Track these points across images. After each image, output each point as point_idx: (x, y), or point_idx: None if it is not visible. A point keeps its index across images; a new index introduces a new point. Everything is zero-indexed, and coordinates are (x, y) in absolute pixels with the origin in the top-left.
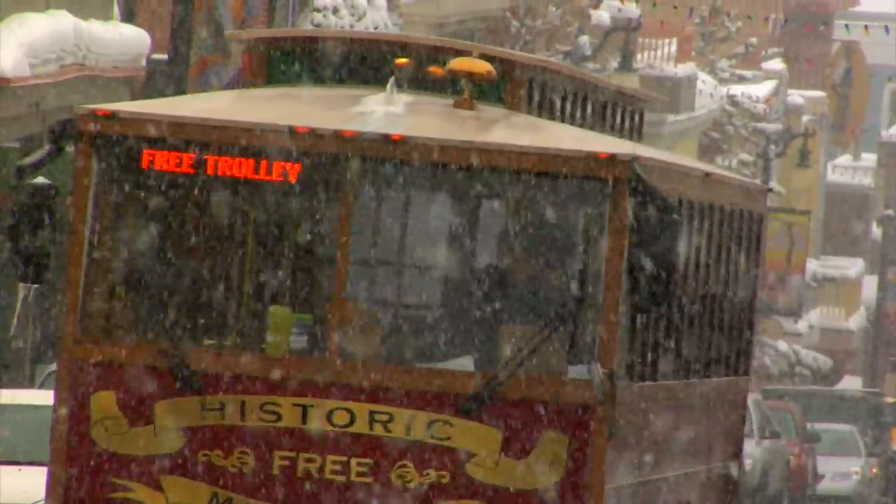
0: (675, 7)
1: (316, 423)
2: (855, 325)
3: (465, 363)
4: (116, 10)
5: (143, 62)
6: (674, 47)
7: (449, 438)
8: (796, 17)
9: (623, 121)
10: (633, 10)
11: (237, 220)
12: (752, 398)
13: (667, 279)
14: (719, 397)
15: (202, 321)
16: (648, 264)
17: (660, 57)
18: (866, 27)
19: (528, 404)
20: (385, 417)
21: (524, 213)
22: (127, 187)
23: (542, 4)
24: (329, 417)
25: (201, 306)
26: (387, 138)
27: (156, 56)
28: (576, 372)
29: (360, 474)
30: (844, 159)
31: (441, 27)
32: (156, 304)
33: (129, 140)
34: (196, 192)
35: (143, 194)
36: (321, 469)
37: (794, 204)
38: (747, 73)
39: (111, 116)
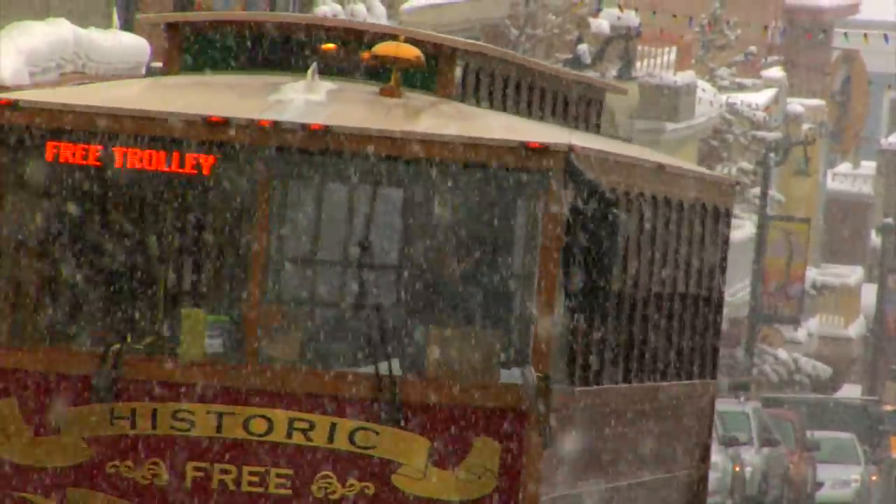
0: (675, 15)
1: (232, 432)
2: (854, 333)
3: (392, 367)
4: (116, 18)
5: (143, 70)
6: (673, 55)
7: (374, 447)
8: (796, 25)
9: (579, 111)
10: (632, 19)
11: (148, 216)
12: (751, 406)
13: (605, 276)
14: (681, 402)
15: (111, 324)
16: (585, 260)
17: (659, 65)
18: (865, 35)
19: (458, 410)
20: (305, 425)
21: (453, 207)
22: (30, 182)
23: (541, 13)
24: (246, 426)
25: (110, 308)
26: (305, 128)
27: (155, 64)
28: (508, 375)
29: (279, 486)
30: (844, 167)
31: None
32: (62, 305)
33: (32, 131)
34: (104, 186)
35: (47, 189)
36: (237, 481)
37: (794, 212)
38: (747, 81)
39: (12, 106)
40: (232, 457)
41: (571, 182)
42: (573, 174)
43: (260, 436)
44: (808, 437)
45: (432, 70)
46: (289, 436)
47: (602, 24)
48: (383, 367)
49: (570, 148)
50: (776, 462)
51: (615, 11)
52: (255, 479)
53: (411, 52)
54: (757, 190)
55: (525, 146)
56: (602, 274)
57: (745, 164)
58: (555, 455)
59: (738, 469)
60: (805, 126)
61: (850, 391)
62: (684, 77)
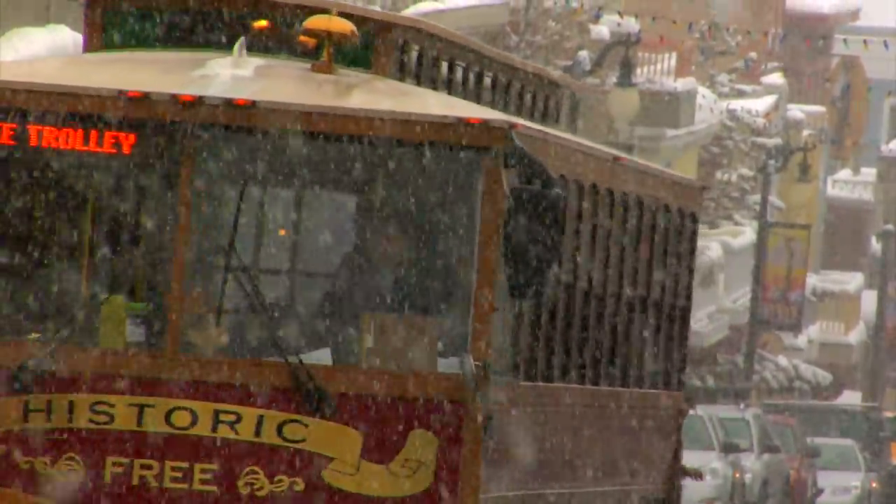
0: (675, 22)
1: (154, 425)
2: (854, 340)
3: (323, 356)
4: None
5: None
6: (673, 62)
7: (303, 441)
8: (796, 31)
9: (536, 103)
10: (632, 25)
11: (66, 197)
12: (752, 412)
13: (548, 263)
14: (642, 413)
15: (27, 312)
16: (527, 245)
17: (659, 71)
18: (865, 42)
19: (393, 401)
20: (231, 418)
21: (387, 188)
22: None
23: (541, 19)
24: (168, 418)
25: (26, 295)
26: (230, 103)
27: None
28: (446, 365)
29: (203, 482)
30: (844, 174)
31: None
32: None
33: None
34: (18, 166)
35: None
36: (160, 477)
37: (794, 218)
38: (747, 88)
39: None
40: (154, 451)
41: (512, 162)
42: (515, 153)
43: (183, 429)
44: (809, 444)
45: (369, 47)
46: (214, 429)
47: (602, 30)
48: (301, 357)
49: (511, 125)
50: (776, 469)
51: (615, 18)
52: (179, 474)
53: (344, 25)
54: (757, 196)
55: (463, 122)
56: (545, 260)
57: (746, 171)
58: (497, 451)
59: (738, 476)
60: (805, 132)
61: (851, 398)
62: (684, 83)
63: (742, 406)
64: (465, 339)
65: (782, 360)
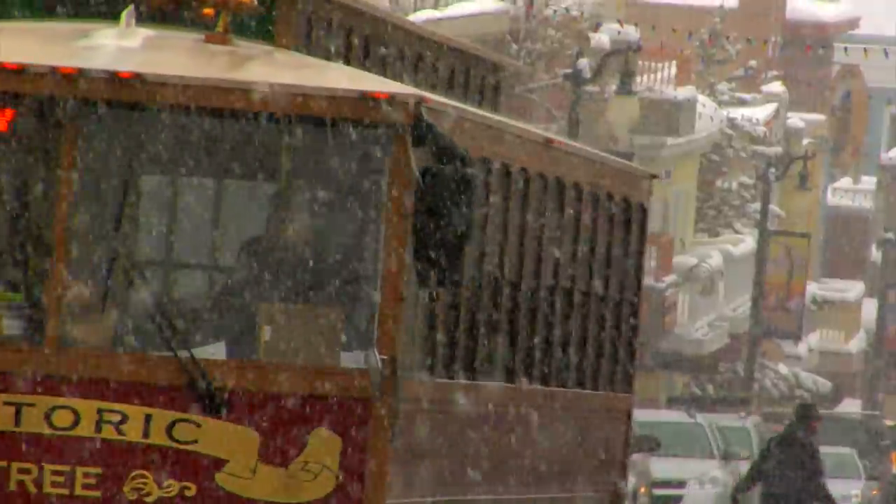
0: (675, 30)
1: (32, 425)
2: (855, 348)
3: (217, 350)
4: None
5: None
6: (673, 70)
7: (195, 442)
8: (796, 40)
9: (470, 86)
10: (632, 33)
11: None
12: (752, 421)
13: (458, 249)
14: (583, 414)
15: None
16: (437, 230)
17: (659, 80)
18: (865, 50)
19: (292, 399)
20: (117, 417)
21: (287, 168)
22: None
23: (541, 27)
24: (48, 418)
25: None
26: (114, 76)
27: None
28: (351, 359)
29: (86, 487)
30: (844, 182)
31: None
32: None
33: None
34: None
35: None
36: (38, 481)
37: (794, 227)
38: (747, 96)
39: None
40: (32, 454)
41: (422, 139)
42: (424, 130)
43: (64, 430)
44: None
45: (271, 17)
46: (98, 429)
47: (602, 38)
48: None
49: (420, 99)
50: None
51: (615, 26)
52: (60, 479)
53: None
54: (757, 205)
55: (367, 96)
56: (457, 246)
57: (746, 179)
58: (406, 454)
59: None
60: (805, 141)
61: (851, 406)
62: (684, 92)
63: (742, 414)
64: (371, 331)
65: (782, 369)
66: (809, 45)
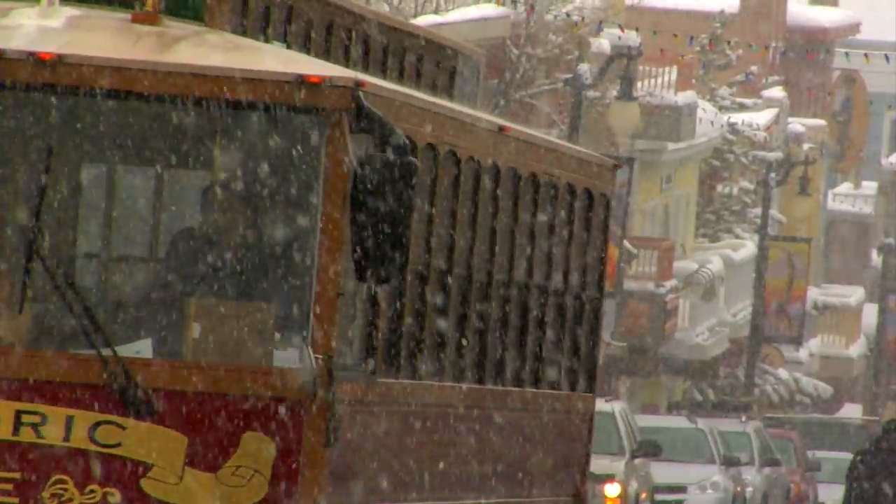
0: (676, 35)
1: None
2: (855, 353)
3: (143, 348)
4: None
5: None
6: (674, 75)
7: (119, 445)
8: (796, 45)
9: (422, 72)
10: (633, 38)
11: None
12: (752, 426)
13: (398, 241)
14: (541, 415)
15: None
16: (377, 221)
17: (660, 85)
18: (866, 55)
19: (222, 400)
20: (36, 419)
21: (218, 155)
22: None
23: (542, 32)
24: None
25: None
26: (33, 57)
27: None
28: (284, 358)
29: (3, 493)
30: (845, 187)
31: None
32: None
33: None
34: None
35: None
36: None
37: (795, 232)
38: (748, 101)
39: None
40: None
41: (360, 125)
42: (362, 115)
43: None
44: (810, 457)
45: None
46: (16, 432)
47: (603, 43)
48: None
49: (358, 83)
50: (777, 482)
51: (616, 31)
52: None
53: None
54: (758, 210)
55: (302, 80)
56: (397, 238)
57: (746, 184)
58: (345, 459)
59: (739, 489)
60: (806, 146)
61: (851, 411)
62: (685, 97)
63: (743, 419)
64: (306, 328)
65: (783, 374)
66: (810, 51)
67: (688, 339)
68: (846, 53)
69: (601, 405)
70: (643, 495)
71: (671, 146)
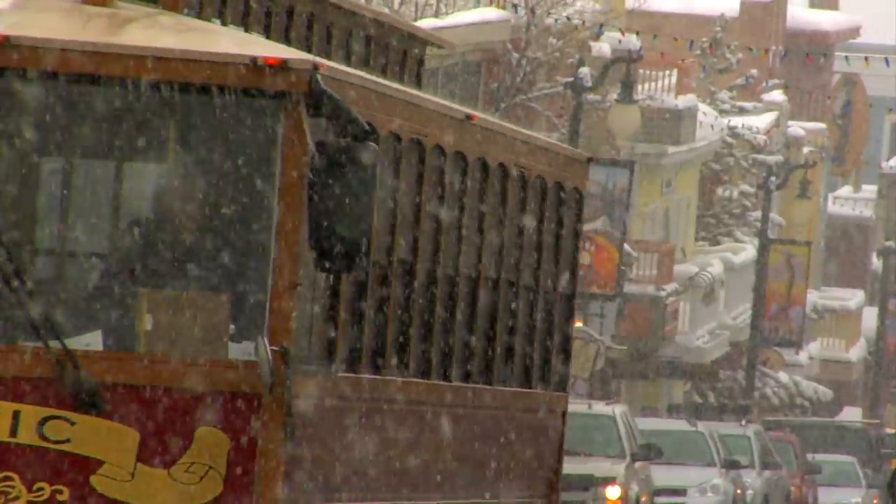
0: (676, 39)
1: None
2: (855, 357)
3: (93, 341)
4: None
5: None
6: (674, 79)
7: (68, 441)
8: (797, 48)
9: (388, 60)
10: (633, 42)
11: None
12: (752, 429)
13: (358, 230)
14: (511, 413)
15: None
16: (333, 208)
17: (660, 88)
18: (866, 59)
19: (176, 394)
20: None
21: (171, 142)
22: None
23: (542, 36)
24: None
25: None
26: None
27: None
28: (240, 351)
29: None
30: (845, 191)
31: (442, 59)
32: None
33: None
34: None
35: None
36: None
37: (795, 235)
38: (748, 105)
39: None
40: None
41: (317, 109)
42: (319, 99)
43: None
44: (810, 460)
45: None
46: None
47: (603, 47)
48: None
49: (316, 66)
50: (777, 485)
51: (616, 35)
52: None
53: None
54: (758, 213)
55: (257, 63)
56: (356, 227)
57: (746, 188)
58: (303, 455)
59: (739, 492)
60: (806, 149)
61: (851, 414)
62: (685, 100)
63: (743, 422)
64: (262, 319)
65: (783, 377)
66: (810, 54)
67: (688, 342)
68: (846, 57)
69: (602, 408)
70: (643, 498)
71: (671, 150)
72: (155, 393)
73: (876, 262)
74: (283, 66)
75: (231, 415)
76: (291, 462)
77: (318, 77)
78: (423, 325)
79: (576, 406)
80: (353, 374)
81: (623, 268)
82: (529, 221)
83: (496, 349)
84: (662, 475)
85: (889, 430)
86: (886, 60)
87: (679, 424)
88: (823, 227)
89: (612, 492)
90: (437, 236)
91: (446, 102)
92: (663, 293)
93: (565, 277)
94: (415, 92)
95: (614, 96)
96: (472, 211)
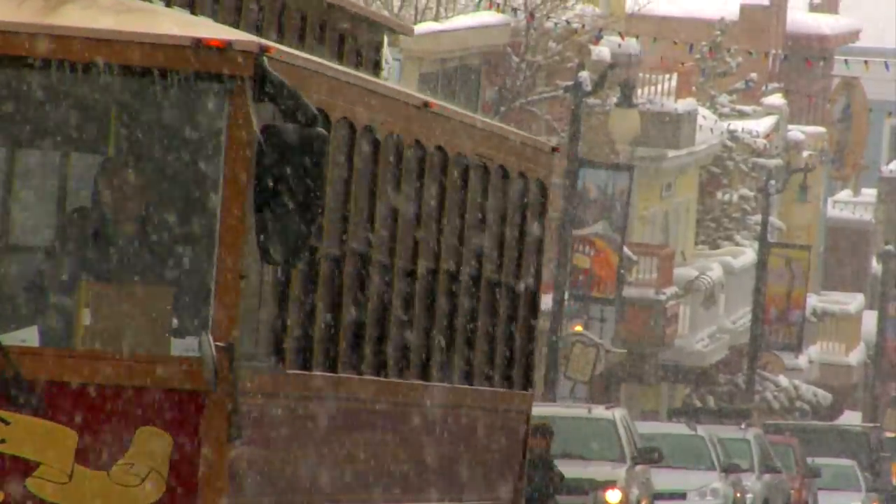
0: (676, 42)
1: None
2: (855, 360)
3: (29, 336)
4: None
5: None
6: (674, 82)
7: (3, 442)
8: (796, 52)
9: (346, 46)
10: (633, 46)
11: None
12: (752, 432)
13: (306, 220)
14: (470, 413)
15: None
16: (280, 197)
17: (660, 92)
18: (866, 63)
19: (115, 392)
20: None
21: (112, 128)
22: None
23: (542, 40)
24: None
25: None
26: None
27: None
28: (183, 346)
29: None
30: (844, 194)
31: (442, 63)
32: None
33: None
34: None
35: None
36: None
37: (795, 239)
38: (747, 109)
39: None
40: None
41: (265, 94)
42: (266, 83)
43: None
44: (809, 464)
45: None
46: None
47: (603, 51)
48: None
49: (264, 48)
50: (777, 489)
51: (616, 39)
52: None
53: None
54: (758, 217)
55: (201, 44)
56: (304, 216)
57: (746, 191)
58: (249, 455)
59: (739, 496)
60: (805, 153)
61: (851, 418)
62: (685, 104)
63: (743, 426)
64: (206, 313)
65: (783, 381)
66: (810, 58)
67: (688, 345)
68: (846, 61)
69: (602, 412)
70: (644, 501)
71: (671, 153)
72: (94, 391)
73: (876, 266)
74: (227, 48)
75: (174, 414)
76: (237, 464)
77: (265, 60)
78: (378, 321)
79: (576, 410)
80: (303, 372)
81: (623, 271)
82: (491, 213)
83: (455, 346)
84: (662, 479)
85: (889, 434)
86: (886, 64)
87: (679, 428)
88: (823, 231)
89: (613, 495)
90: (392, 228)
91: (403, 89)
92: (663, 297)
93: (530, 272)
94: (369, 78)
95: (614, 100)
96: (429, 202)
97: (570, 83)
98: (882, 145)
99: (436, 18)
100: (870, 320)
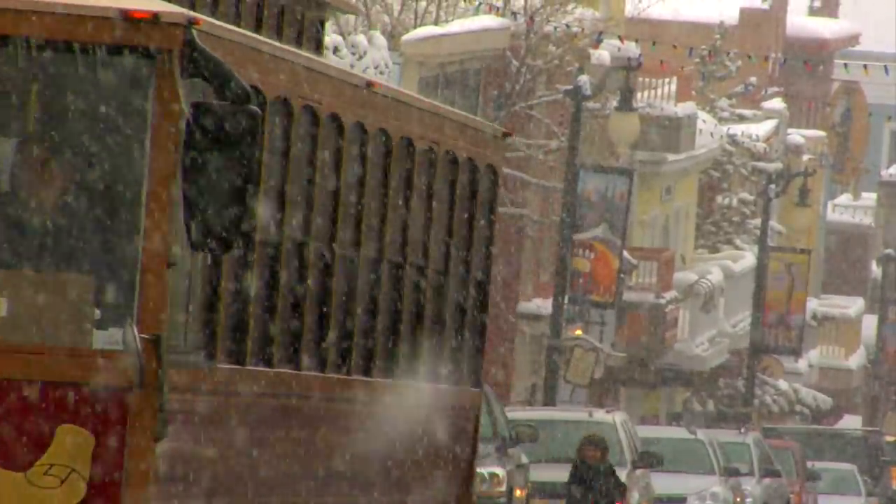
0: (675, 46)
1: None
2: (855, 364)
3: None
4: None
5: None
6: (674, 86)
7: None
8: (796, 56)
9: (283, 21)
10: (633, 50)
11: None
12: (752, 437)
13: (238, 203)
14: (414, 410)
15: None
16: (210, 178)
17: (660, 96)
18: (866, 67)
19: (32, 388)
20: None
21: (31, 104)
22: None
23: (542, 44)
24: None
25: None
26: None
27: None
28: (105, 339)
29: None
30: (844, 198)
31: (442, 66)
32: None
33: None
34: None
35: None
36: None
37: (795, 243)
38: (747, 113)
39: None
40: None
41: (193, 69)
42: (195, 57)
43: None
44: (809, 468)
45: None
46: None
47: (602, 55)
48: None
49: (192, 20)
50: (777, 493)
51: (616, 43)
52: None
53: None
54: (757, 221)
55: (126, 15)
56: (236, 199)
57: (746, 195)
58: (177, 456)
59: (738, 500)
60: (805, 157)
61: (851, 422)
62: (685, 108)
63: (742, 430)
64: (131, 303)
65: (783, 385)
66: (809, 62)
67: (688, 349)
68: (846, 65)
69: (602, 416)
70: None
71: (671, 157)
72: (10, 386)
73: (875, 270)
74: (154, 19)
75: (96, 411)
76: (163, 464)
77: (195, 33)
78: (316, 313)
79: (576, 414)
80: (235, 366)
81: (622, 275)
82: (438, 200)
83: (400, 340)
84: (662, 483)
85: (889, 438)
86: (886, 68)
87: (678, 432)
88: (823, 235)
89: None
90: (332, 214)
91: (345, 69)
92: (663, 301)
93: (479, 262)
94: (310, 55)
95: (614, 104)
96: (372, 187)
97: (569, 87)
98: (882, 149)
99: (436, 22)
100: (870, 324)
